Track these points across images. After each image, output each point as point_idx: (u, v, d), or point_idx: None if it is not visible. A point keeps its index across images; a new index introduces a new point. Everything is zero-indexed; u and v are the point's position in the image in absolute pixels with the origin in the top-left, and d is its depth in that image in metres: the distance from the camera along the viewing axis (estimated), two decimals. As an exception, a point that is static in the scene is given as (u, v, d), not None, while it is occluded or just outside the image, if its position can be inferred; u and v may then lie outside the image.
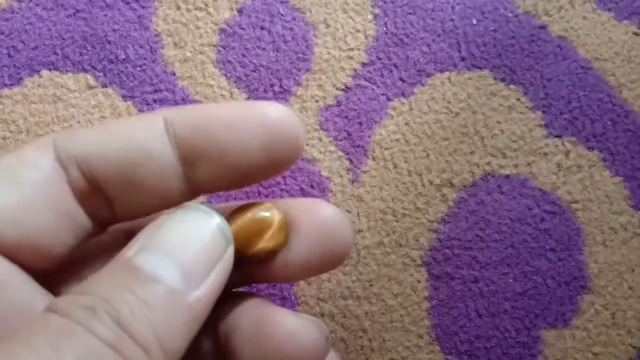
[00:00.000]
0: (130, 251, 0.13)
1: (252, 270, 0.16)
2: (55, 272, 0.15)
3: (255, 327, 0.15)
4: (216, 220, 0.14)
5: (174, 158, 0.14)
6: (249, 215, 0.15)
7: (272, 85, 0.25)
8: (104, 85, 0.25)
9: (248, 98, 0.25)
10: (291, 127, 0.14)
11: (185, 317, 0.12)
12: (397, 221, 0.24)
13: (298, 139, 0.14)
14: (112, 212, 0.15)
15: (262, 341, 0.14)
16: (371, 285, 0.24)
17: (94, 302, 0.11)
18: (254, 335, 0.15)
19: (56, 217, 0.14)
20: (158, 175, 0.14)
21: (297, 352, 0.14)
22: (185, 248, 0.13)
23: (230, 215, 0.15)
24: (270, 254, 0.15)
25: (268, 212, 0.15)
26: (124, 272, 0.12)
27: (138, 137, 0.14)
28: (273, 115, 0.14)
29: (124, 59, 0.25)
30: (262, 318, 0.15)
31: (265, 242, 0.15)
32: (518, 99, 0.25)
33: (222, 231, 0.14)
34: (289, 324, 0.14)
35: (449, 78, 0.25)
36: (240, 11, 0.26)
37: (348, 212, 0.24)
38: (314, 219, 0.15)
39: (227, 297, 0.16)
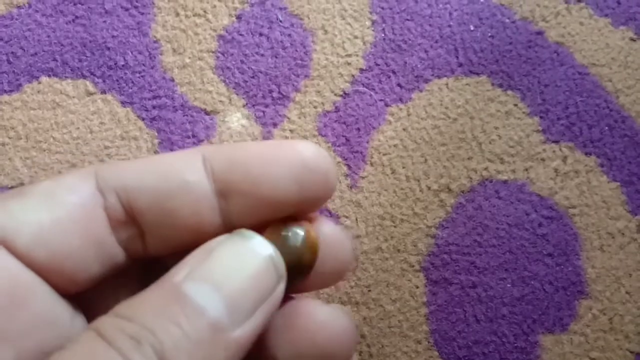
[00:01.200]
0: (179, 275, 0.13)
1: None
2: (83, 296, 0.15)
3: (287, 319, 0.15)
4: (269, 252, 0.14)
5: (210, 191, 0.14)
6: (283, 233, 0.15)
7: (270, 91, 0.25)
8: (103, 92, 0.25)
9: (246, 104, 0.25)
10: (323, 164, 0.15)
11: (226, 353, 0.12)
12: (395, 227, 0.24)
13: (329, 175, 0.15)
14: (143, 245, 0.15)
15: (295, 333, 0.14)
16: (369, 290, 0.24)
17: (140, 333, 0.11)
18: (285, 327, 0.15)
19: (86, 243, 0.14)
20: (193, 207, 0.14)
21: (330, 341, 0.14)
22: (234, 281, 0.13)
23: (267, 232, 0.15)
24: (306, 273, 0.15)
25: (302, 231, 0.15)
26: (171, 298, 0.12)
27: (176, 169, 0.14)
28: (306, 152, 0.15)
29: (123, 65, 0.25)
30: (292, 310, 0.15)
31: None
32: (515, 105, 0.25)
33: (275, 266, 0.14)
34: (321, 314, 0.15)
35: (447, 84, 0.25)
36: (238, 17, 0.26)
37: (346, 217, 0.24)
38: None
39: None
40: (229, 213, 0.15)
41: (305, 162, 0.14)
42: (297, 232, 0.15)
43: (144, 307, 0.12)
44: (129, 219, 0.14)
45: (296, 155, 0.14)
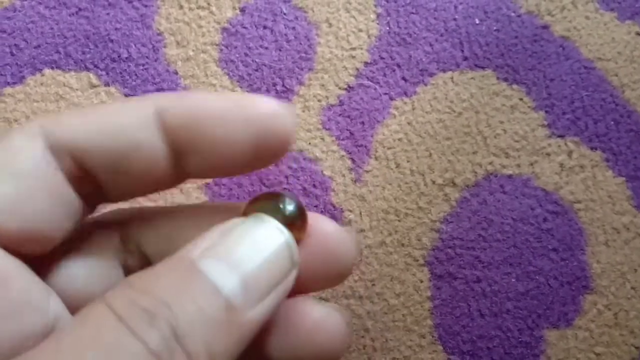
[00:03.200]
0: (195, 251, 0.13)
1: None
2: (46, 257, 0.15)
3: (282, 317, 0.15)
4: (285, 237, 0.14)
5: (162, 148, 0.14)
6: (272, 204, 0.15)
7: (274, 85, 0.25)
8: (107, 84, 0.25)
9: (250, 97, 0.25)
10: (281, 123, 0.14)
11: (240, 335, 0.12)
12: (399, 221, 0.24)
13: (287, 135, 0.14)
14: (102, 194, 0.15)
15: (291, 331, 0.15)
16: (373, 284, 0.23)
17: (155, 306, 0.11)
18: (281, 325, 0.15)
19: (53, 203, 0.14)
20: (146, 164, 0.14)
21: (325, 340, 0.15)
22: (251, 262, 0.13)
23: (251, 202, 0.15)
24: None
25: (293, 200, 0.15)
26: (188, 274, 0.12)
27: (127, 126, 0.14)
28: (263, 110, 0.14)
29: (126, 58, 0.25)
30: (288, 308, 0.15)
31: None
32: (521, 99, 0.25)
33: (291, 252, 0.14)
34: (316, 313, 0.15)
35: (452, 78, 0.25)
36: (242, 10, 0.26)
37: (350, 211, 0.24)
38: (315, 236, 0.15)
39: None
40: (183, 166, 0.15)
41: (263, 120, 0.14)
42: (289, 201, 0.15)
43: (159, 280, 0.12)
44: (85, 175, 0.14)
45: (254, 113, 0.14)
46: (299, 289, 0.15)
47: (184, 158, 0.14)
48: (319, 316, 0.15)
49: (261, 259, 0.13)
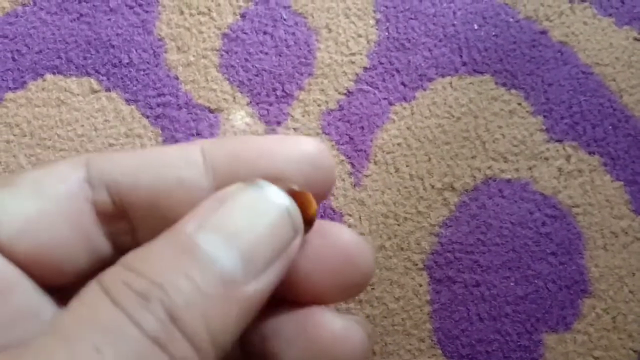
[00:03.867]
0: (190, 225, 0.12)
1: None
2: (67, 289, 0.14)
3: (301, 331, 0.14)
4: (286, 202, 0.13)
5: (207, 188, 0.14)
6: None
7: (274, 90, 0.25)
8: (108, 89, 0.25)
9: (250, 102, 0.25)
10: (325, 161, 0.14)
11: (239, 310, 0.12)
12: (398, 225, 0.24)
13: (331, 172, 0.14)
14: (133, 238, 0.15)
15: (310, 344, 0.14)
16: (373, 288, 0.24)
17: (148, 289, 0.11)
18: (299, 339, 0.14)
19: (73, 236, 0.13)
20: (189, 204, 0.14)
21: (345, 354, 0.14)
22: (250, 233, 0.12)
23: None
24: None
25: (297, 187, 0.14)
26: (183, 250, 0.12)
27: (173, 165, 0.14)
28: (309, 149, 0.14)
29: (127, 63, 0.25)
30: (306, 321, 0.14)
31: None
32: (519, 104, 0.25)
33: (292, 217, 0.13)
34: (336, 326, 0.14)
35: (451, 83, 0.25)
36: (243, 16, 0.26)
37: (349, 215, 0.24)
38: (333, 245, 0.15)
39: None
40: None
41: (309, 158, 0.14)
42: (290, 188, 0.14)
43: (153, 259, 0.12)
44: (119, 213, 0.14)
45: (300, 151, 0.14)
46: (316, 300, 0.15)
47: None
48: (339, 329, 0.14)
49: (260, 227, 0.12)
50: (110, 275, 0.12)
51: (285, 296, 0.15)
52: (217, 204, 0.13)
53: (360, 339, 0.14)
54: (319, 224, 0.15)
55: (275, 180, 0.14)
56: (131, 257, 0.12)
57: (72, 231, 0.13)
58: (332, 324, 0.14)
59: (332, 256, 0.15)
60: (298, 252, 0.14)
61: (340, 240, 0.15)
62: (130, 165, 0.14)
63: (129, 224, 0.14)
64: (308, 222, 0.14)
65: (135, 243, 0.14)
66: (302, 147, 0.14)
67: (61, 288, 0.14)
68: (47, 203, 0.13)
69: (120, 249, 0.15)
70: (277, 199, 0.13)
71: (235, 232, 0.12)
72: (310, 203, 0.14)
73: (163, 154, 0.14)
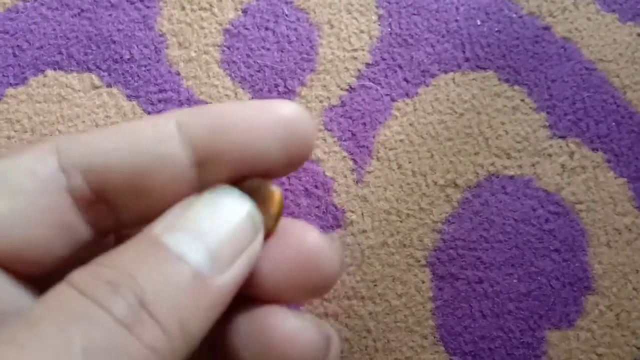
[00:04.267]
0: (157, 228, 0.13)
1: None
2: (48, 277, 0.14)
3: (256, 328, 0.14)
4: (247, 206, 0.14)
5: (186, 162, 0.14)
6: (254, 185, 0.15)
7: (276, 86, 0.25)
8: (109, 85, 0.25)
9: (252, 98, 0.25)
10: (305, 123, 0.14)
11: (209, 302, 0.12)
12: (401, 221, 0.24)
13: (312, 135, 0.15)
14: (116, 220, 0.15)
15: (263, 342, 0.14)
16: (375, 285, 0.24)
17: (117, 277, 0.11)
18: (253, 338, 0.14)
19: (50, 228, 0.13)
20: (169, 180, 0.14)
21: (297, 353, 0.14)
22: (214, 231, 0.13)
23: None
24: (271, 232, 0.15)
25: (261, 185, 0.15)
26: (151, 248, 0.12)
27: (148, 142, 0.14)
28: (288, 113, 0.14)
29: (128, 59, 0.25)
30: (262, 319, 0.15)
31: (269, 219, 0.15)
32: (522, 100, 0.25)
33: (252, 218, 0.14)
34: (288, 326, 0.14)
35: (453, 79, 0.25)
36: (244, 11, 0.26)
37: (352, 212, 0.24)
38: (295, 245, 0.15)
39: None
40: (208, 179, 0.14)
41: (289, 123, 0.14)
42: (257, 186, 0.15)
43: (121, 255, 0.12)
44: (98, 198, 0.14)
45: (279, 116, 0.14)
46: (278, 299, 0.15)
47: (210, 169, 0.14)
48: (292, 328, 0.14)
49: (224, 227, 0.13)
50: (78, 272, 0.12)
51: (248, 294, 0.15)
52: (182, 208, 0.13)
53: (311, 339, 0.14)
54: (287, 223, 0.15)
55: (244, 178, 0.14)
56: (100, 257, 0.12)
57: (48, 224, 0.13)
58: (286, 323, 0.14)
59: (293, 257, 0.15)
60: (261, 250, 0.14)
61: (303, 241, 0.15)
62: (103, 146, 0.14)
63: (110, 207, 0.14)
64: (273, 220, 0.15)
65: (119, 224, 0.15)
66: (280, 113, 0.14)
67: (44, 277, 0.14)
68: (17, 199, 0.13)
69: (102, 232, 0.15)
70: (240, 204, 0.14)
71: (201, 232, 0.13)
72: (276, 201, 0.15)
73: (136, 131, 0.14)
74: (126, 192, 0.14)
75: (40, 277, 0.14)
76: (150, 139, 0.14)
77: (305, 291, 0.15)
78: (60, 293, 0.11)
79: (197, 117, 0.14)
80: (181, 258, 0.12)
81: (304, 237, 0.15)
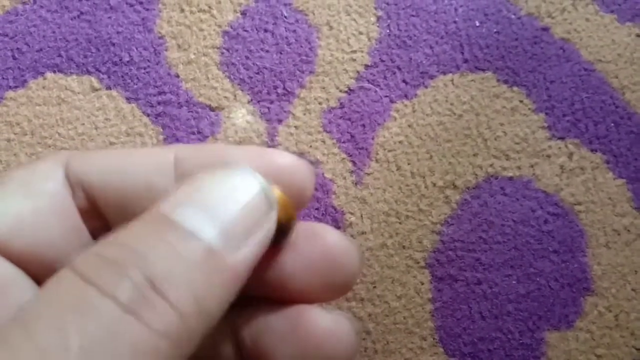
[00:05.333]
0: (165, 205, 0.12)
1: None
2: None
3: (291, 327, 0.15)
4: (260, 181, 0.13)
5: None
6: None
7: (275, 87, 0.25)
8: (108, 88, 0.25)
9: (251, 100, 0.25)
10: (300, 175, 0.14)
11: (224, 280, 0.12)
12: (400, 223, 0.24)
13: (306, 187, 0.15)
14: (108, 231, 0.15)
15: (301, 340, 0.14)
16: (374, 287, 0.24)
17: (123, 254, 0.11)
18: (290, 335, 0.14)
19: (65, 231, 0.14)
20: None
21: (334, 348, 0.14)
22: (226, 207, 0.12)
23: None
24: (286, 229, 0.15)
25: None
26: (160, 225, 0.11)
27: (144, 169, 0.14)
28: (283, 163, 0.14)
29: (128, 62, 0.25)
30: (297, 318, 0.15)
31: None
32: (521, 101, 0.25)
33: (266, 194, 0.13)
34: (325, 322, 0.15)
35: (452, 80, 0.25)
36: (243, 13, 0.26)
37: (351, 214, 0.24)
38: (318, 246, 0.15)
39: (246, 302, 0.15)
40: None
41: (284, 173, 0.14)
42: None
43: (129, 232, 0.11)
44: (94, 212, 0.14)
45: (273, 166, 0.14)
46: (304, 299, 0.15)
47: None
48: (328, 324, 0.15)
49: (236, 203, 0.12)
50: (82, 255, 0.11)
51: (274, 296, 0.15)
52: (191, 184, 0.13)
53: (348, 333, 0.15)
54: (305, 225, 0.15)
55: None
56: (105, 238, 0.12)
57: (63, 227, 0.14)
58: (322, 319, 0.15)
59: (317, 257, 0.15)
60: (284, 253, 0.14)
61: (326, 241, 0.15)
62: (104, 166, 0.14)
63: (104, 222, 0.15)
64: (288, 224, 0.15)
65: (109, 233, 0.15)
66: (276, 162, 0.14)
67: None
68: (37, 201, 0.14)
69: (95, 238, 0.15)
70: (252, 178, 0.13)
71: (212, 207, 0.12)
72: (290, 205, 0.14)
73: (137, 157, 0.14)
74: (117, 210, 0.14)
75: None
76: (147, 166, 0.14)
77: (330, 290, 0.15)
78: (61, 280, 0.11)
79: (196, 154, 0.14)
80: (193, 234, 0.11)
81: (325, 237, 0.15)
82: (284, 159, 0.15)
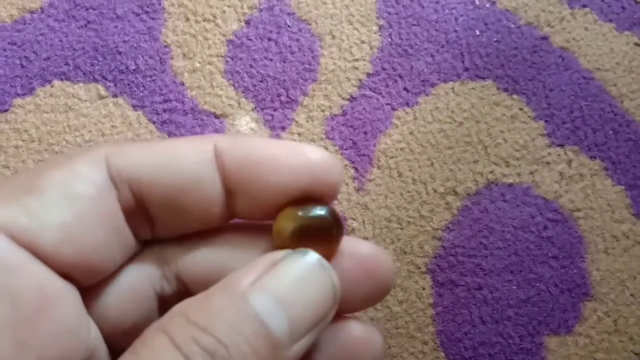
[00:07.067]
0: (244, 282, 0.13)
1: None
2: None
3: (330, 337, 0.15)
4: (333, 279, 0.14)
5: (220, 188, 0.14)
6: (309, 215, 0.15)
7: (279, 95, 0.26)
8: (115, 95, 0.26)
9: (255, 108, 0.25)
10: (331, 172, 0.15)
11: None
12: (401, 229, 0.24)
13: (335, 183, 0.15)
14: (151, 232, 0.15)
15: (339, 350, 0.15)
16: (376, 292, 0.24)
17: (215, 348, 0.12)
18: (329, 345, 0.15)
19: (108, 234, 0.14)
20: (203, 202, 0.14)
21: (369, 355, 0.15)
22: (298, 300, 0.13)
23: (284, 213, 0.15)
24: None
25: (324, 212, 0.15)
26: (239, 310, 0.13)
27: (189, 164, 0.14)
28: (316, 159, 0.15)
29: (134, 70, 0.26)
30: (334, 328, 0.15)
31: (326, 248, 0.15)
32: (521, 109, 0.25)
33: (335, 292, 0.14)
34: (360, 331, 0.15)
35: (453, 88, 0.26)
36: (247, 23, 0.26)
37: (353, 219, 0.24)
38: (354, 258, 0.15)
39: None
40: (233, 206, 0.15)
41: (314, 168, 0.15)
42: (321, 207, 0.15)
43: (215, 316, 0.12)
44: (140, 209, 0.14)
45: (307, 161, 0.15)
46: (341, 310, 0.15)
47: (236, 198, 0.15)
48: (364, 334, 0.15)
49: (308, 297, 0.13)
50: (176, 327, 0.12)
51: None
52: (269, 264, 0.13)
53: (380, 342, 0.15)
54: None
55: (308, 200, 0.15)
56: (192, 309, 0.13)
57: (107, 231, 0.14)
58: (357, 330, 0.15)
59: (354, 267, 0.15)
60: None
61: (359, 251, 0.15)
62: (149, 162, 0.14)
63: (148, 219, 0.15)
64: (338, 235, 0.15)
65: (154, 235, 0.15)
66: (309, 157, 0.15)
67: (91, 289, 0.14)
68: (81, 207, 0.13)
69: (140, 241, 0.15)
70: (325, 272, 0.14)
71: (286, 298, 0.13)
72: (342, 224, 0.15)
73: (179, 148, 0.15)
74: (163, 206, 0.14)
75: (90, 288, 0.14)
76: (190, 161, 0.14)
77: (367, 299, 0.16)
78: (160, 347, 0.12)
79: (234, 145, 0.15)
80: (268, 329, 0.12)
81: (357, 248, 0.15)
82: (316, 154, 0.15)
